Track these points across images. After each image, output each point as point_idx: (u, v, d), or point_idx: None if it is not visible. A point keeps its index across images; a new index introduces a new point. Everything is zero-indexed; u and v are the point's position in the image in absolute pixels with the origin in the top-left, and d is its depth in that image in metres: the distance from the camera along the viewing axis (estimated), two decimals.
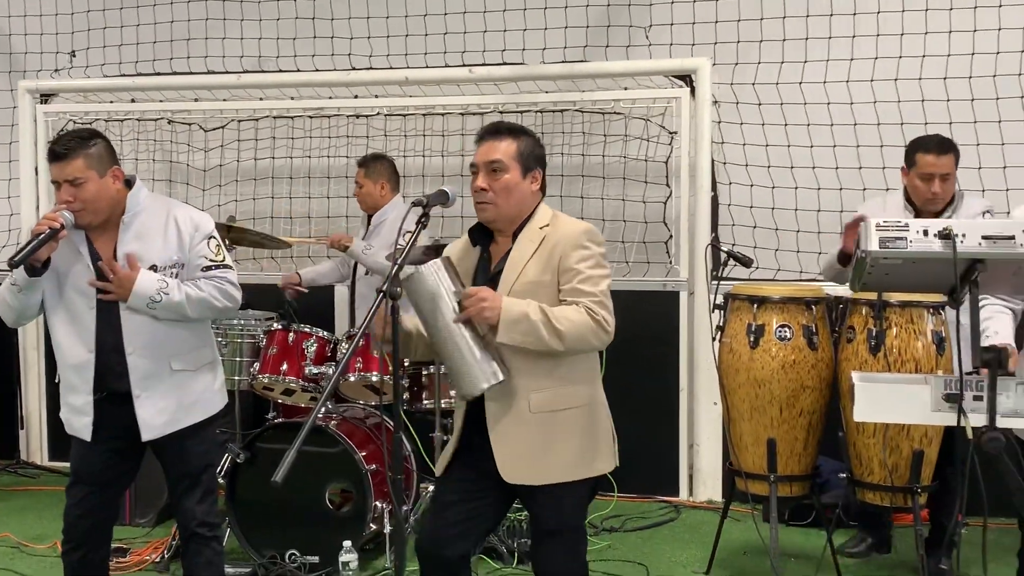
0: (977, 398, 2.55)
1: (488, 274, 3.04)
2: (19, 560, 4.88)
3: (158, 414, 3.47)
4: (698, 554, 4.84)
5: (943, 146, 4.38)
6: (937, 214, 4.38)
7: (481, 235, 3.11)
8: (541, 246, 3.01)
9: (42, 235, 3.27)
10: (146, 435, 3.47)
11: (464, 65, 6.17)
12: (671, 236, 6.12)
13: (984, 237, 2.48)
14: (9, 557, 4.93)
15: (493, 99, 6.20)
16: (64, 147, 3.36)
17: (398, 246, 2.95)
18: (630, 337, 5.92)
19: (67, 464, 3.67)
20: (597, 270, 3.01)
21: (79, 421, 3.49)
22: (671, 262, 6.10)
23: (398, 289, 2.78)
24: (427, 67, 6.26)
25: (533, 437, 2.97)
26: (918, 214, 4.38)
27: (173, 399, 3.50)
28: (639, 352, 5.88)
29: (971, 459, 2.52)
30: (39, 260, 3.32)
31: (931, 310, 4.15)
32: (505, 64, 6.14)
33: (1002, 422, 2.53)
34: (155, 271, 3.41)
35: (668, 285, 6.02)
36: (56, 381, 3.59)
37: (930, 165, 4.35)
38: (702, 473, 5.93)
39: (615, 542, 5.12)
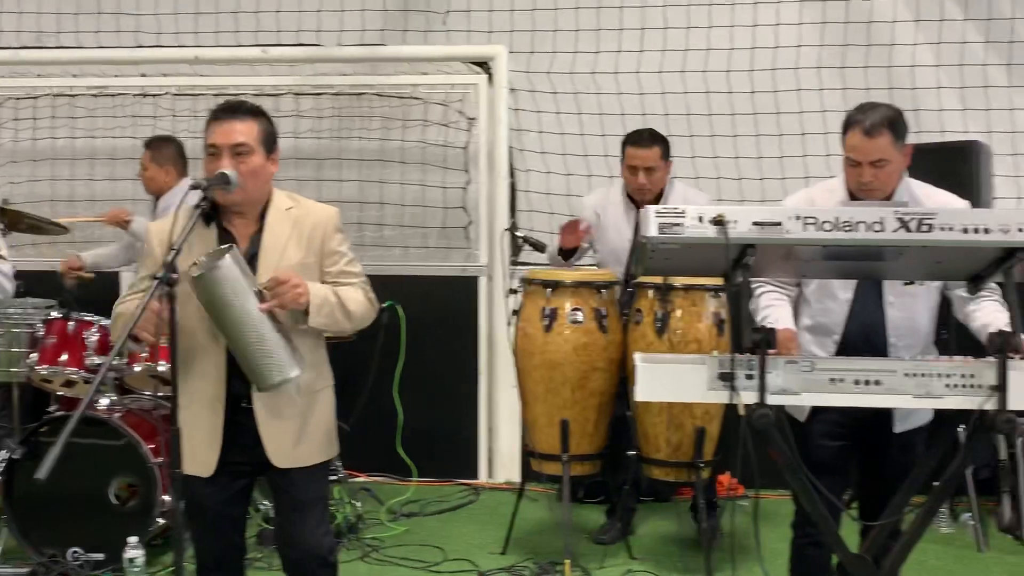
0: (749, 377, 2.64)
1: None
2: None
3: None
4: (496, 535, 4.87)
5: (647, 139, 4.63)
6: (655, 201, 4.58)
7: (212, 213, 2.95)
8: (294, 227, 2.96)
9: None
10: None
11: (257, 45, 5.99)
12: (470, 222, 6.14)
13: (755, 223, 2.57)
14: None
15: (288, 81, 6.05)
16: None
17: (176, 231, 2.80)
18: (430, 322, 5.97)
19: None
20: (353, 253, 3.09)
21: None
22: (470, 247, 6.12)
23: (174, 275, 2.64)
24: (218, 46, 6.04)
25: (299, 418, 2.95)
26: (637, 204, 4.59)
27: None
28: (439, 337, 5.88)
29: (743, 434, 2.60)
30: None
31: (712, 293, 4.30)
32: (300, 45, 6.00)
33: (772, 399, 2.63)
34: None
35: (467, 270, 6.04)
36: None
37: (634, 157, 4.60)
38: (501, 455, 5.98)
39: (413, 527, 5.10)
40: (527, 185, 6.08)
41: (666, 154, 4.66)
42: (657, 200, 4.62)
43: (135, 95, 6.24)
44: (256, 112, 2.98)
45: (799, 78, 5.79)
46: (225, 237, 2.94)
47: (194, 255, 2.81)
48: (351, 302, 2.93)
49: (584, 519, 5.12)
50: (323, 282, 2.95)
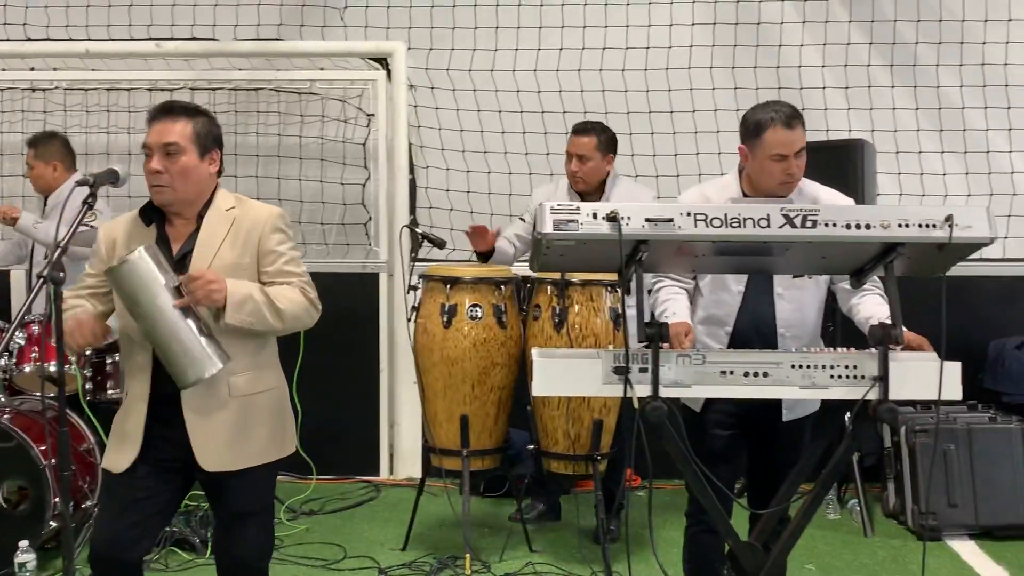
0: (643, 370, 2.67)
1: (172, 256, 2.88)
2: None
3: None
4: (397, 531, 4.84)
5: (585, 127, 4.73)
6: (592, 194, 4.67)
7: (155, 214, 2.93)
8: (233, 228, 2.90)
9: None
10: None
11: (151, 39, 5.84)
12: (370, 218, 6.09)
13: (647, 220, 2.59)
14: None
15: (183, 75, 5.93)
16: None
17: (68, 228, 2.72)
18: (331, 319, 5.79)
19: None
20: (296, 252, 3.00)
21: None
22: (370, 244, 6.07)
23: (61, 274, 2.57)
24: (111, 39, 5.88)
25: (231, 422, 2.87)
26: (582, 198, 4.60)
27: None
28: (340, 334, 5.79)
29: (637, 427, 2.63)
30: None
31: (609, 288, 4.35)
32: (195, 40, 5.87)
33: (665, 392, 2.66)
34: None
35: (368, 267, 5.99)
36: None
37: (571, 144, 4.70)
38: (402, 451, 5.95)
39: (313, 525, 5.05)
40: (427, 182, 6.07)
41: (604, 147, 4.68)
42: (600, 193, 4.66)
43: (24, 89, 6.04)
44: (192, 112, 2.93)
45: (692, 78, 5.88)
46: (162, 236, 2.89)
47: None
48: (283, 300, 2.84)
49: (485, 513, 5.13)
50: (260, 282, 2.88)
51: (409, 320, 4.62)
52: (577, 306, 4.34)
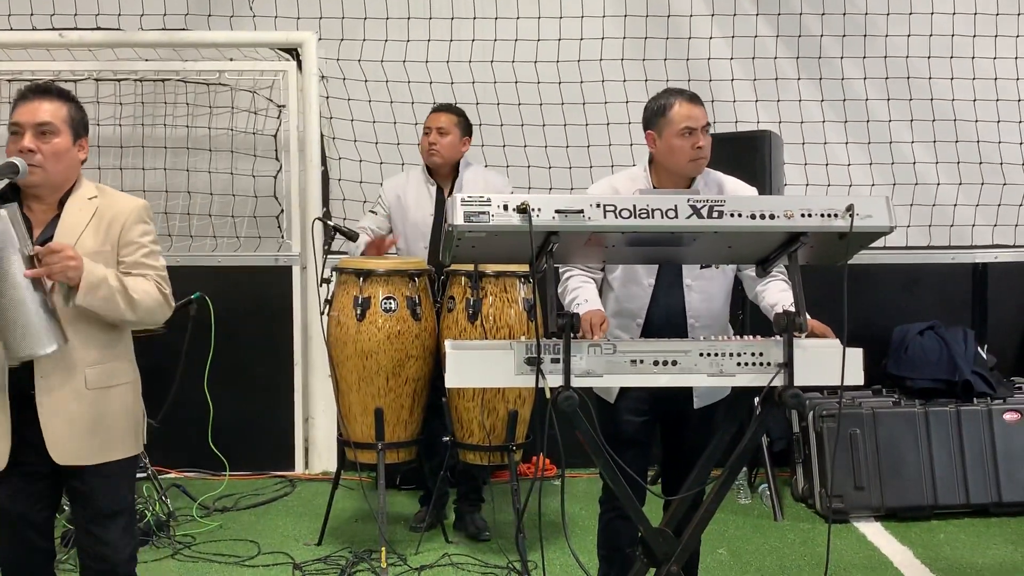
0: (555, 360, 2.69)
1: (32, 239, 2.80)
2: None
3: None
4: (313, 526, 4.81)
5: (444, 105, 4.92)
6: (449, 176, 4.79)
7: (13, 197, 2.83)
8: (95, 217, 2.85)
9: None
10: None
11: (54, 29, 5.69)
12: (282, 211, 6.02)
13: (557, 211, 2.61)
14: None
15: (87, 66, 5.78)
16: None
17: None
18: (243, 313, 5.82)
19: None
20: (157, 247, 2.97)
21: None
22: (283, 237, 6.00)
23: None
24: (12, 29, 5.71)
25: (87, 414, 2.81)
26: (439, 190, 4.76)
27: None
28: (252, 327, 5.76)
29: (550, 416, 2.65)
30: None
31: (523, 279, 4.37)
32: (99, 29, 5.73)
33: (576, 382, 2.69)
34: None
35: (280, 260, 5.92)
36: None
37: (429, 120, 4.83)
38: (317, 445, 5.91)
39: (226, 522, 4.98)
40: (340, 174, 6.02)
41: (463, 128, 4.79)
42: (452, 178, 4.75)
43: None
44: (66, 96, 2.87)
45: (603, 69, 5.93)
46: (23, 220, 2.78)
47: None
48: (138, 292, 2.80)
49: (401, 506, 5.13)
50: (123, 273, 2.83)
51: (322, 313, 4.59)
52: (491, 297, 4.35)
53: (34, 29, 5.74)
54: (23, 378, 2.74)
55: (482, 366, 2.75)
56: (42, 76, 5.83)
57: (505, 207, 2.60)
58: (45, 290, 2.66)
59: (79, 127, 2.87)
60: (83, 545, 2.96)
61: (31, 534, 2.90)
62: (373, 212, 4.92)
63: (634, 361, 2.73)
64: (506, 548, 4.51)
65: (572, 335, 2.68)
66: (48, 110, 2.80)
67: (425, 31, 5.91)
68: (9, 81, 5.87)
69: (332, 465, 5.79)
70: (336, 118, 6.01)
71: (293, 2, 5.91)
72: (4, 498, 2.82)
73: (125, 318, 2.81)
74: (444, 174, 4.78)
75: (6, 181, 2.73)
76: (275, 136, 6.03)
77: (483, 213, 2.60)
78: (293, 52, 5.78)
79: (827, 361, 2.77)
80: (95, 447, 2.83)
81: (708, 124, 3.29)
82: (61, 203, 2.85)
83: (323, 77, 5.85)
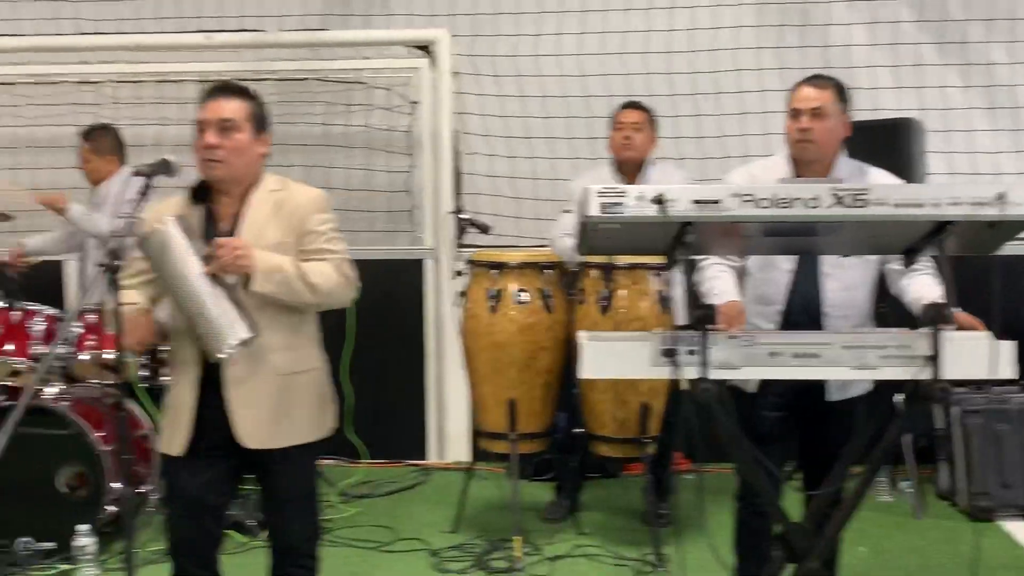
0: (691, 352, 2.65)
1: (218, 233, 2.89)
2: None
3: None
4: (446, 514, 4.86)
5: (635, 103, 4.79)
6: (636, 172, 4.66)
7: (202, 193, 2.95)
8: (278, 209, 2.92)
9: None
10: None
11: (200, 31, 5.89)
12: (415, 205, 6.10)
13: (694, 201, 2.57)
14: None
15: (231, 67, 5.94)
16: None
17: (121, 219, 2.75)
18: (378, 305, 5.90)
19: None
20: (336, 233, 3.00)
21: None
22: (415, 231, 6.08)
23: (119, 263, 2.60)
24: (160, 32, 5.94)
25: (274, 400, 2.87)
26: (629, 181, 4.58)
27: None
28: (387, 320, 5.84)
29: (686, 409, 2.62)
30: None
31: (655, 272, 4.32)
32: (243, 31, 5.91)
33: (713, 374, 2.64)
34: None
35: (413, 253, 6.00)
36: None
37: (621, 115, 4.72)
38: (450, 435, 5.97)
39: (365, 508, 5.07)
40: (471, 168, 6.06)
41: (653, 123, 4.75)
42: (637, 172, 4.66)
43: (76, 83, 6.09)
44: (247, 93, 2.95)
45: (737, 59, 5.82)
46: (211, 216, 2.91)
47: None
48: (315, 275, 2.84)
49: (533, 497, 5.13)
50: (306, 260, 2.89)
51: (455, 305, 4.63)
52: (623, 290, 4.32)
53: (182, 32, 5.94)
54: (210, 366, 2.83)
55: (618, 357, 2.73)
56: (188, 77, 6.06)
57: (641, 198, 2.57)
58: (226, 285, 2.74)
59: (260, 123, 2.94)
60: (271, 524, 3.07)
61: (205, 518, 2.96)
62: (568, 212, 4.85)
63: (773, 353, 2.66)
64: (638, 541, 4.48)
65: (709, 326, 2.64)
66: (230, 107, 2.87)
67: (556, 25, 5.90)
68: (158, 82, 6.11)
69: (465, 455, 5.85)
70: (467, 113, 6.04)
71: (427, 1, 5.98)
72: (184, 480, 2.91)
73: (306, 301, 2.86)
74: (631, 170, 4.70)
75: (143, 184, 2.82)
76: (408, 132, 6.11)
77: (618, 204, 2.58)
78: (427, 49, 5.84)
79: (976, 354, 2.66)
80: (282, 431, 2.89)
81: (820, 108, 3.20)
82: (246, 196, 2.93)
83: (455, 73, 5.90)
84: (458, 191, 5.96)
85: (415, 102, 6.02)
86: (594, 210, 2.56)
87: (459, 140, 6.00)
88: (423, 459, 5.93)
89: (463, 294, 4.60)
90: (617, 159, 4.73)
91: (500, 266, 4.43)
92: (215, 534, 3.04)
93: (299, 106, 6.11)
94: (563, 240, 4.51)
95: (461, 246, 5.70)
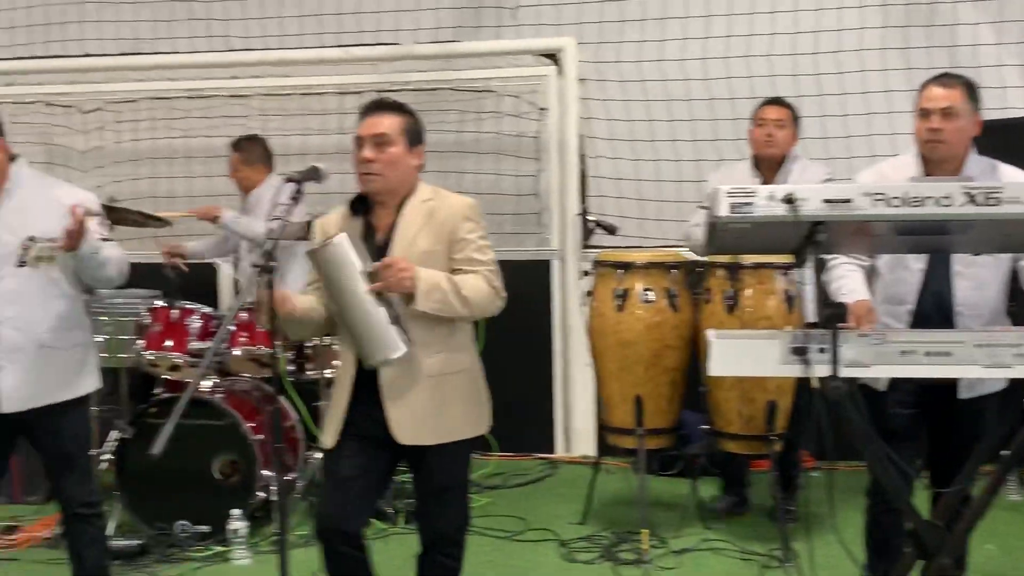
0: (822, 350, 2.61)
1: (375, 244, 2.98)
2: None
3: (19, 387, 3.30)
4: (574, 506, 4.88)
5: (779, 99, 4.70)
6: (775, 168, 4.56)
7: (361, 206, 3.05)
8: (429, 218, 2.98)
9: None
10: (5, 407, 3.29)
11: (340, 46, 6.05)
12: (543, 208, 6.13)
13: (824, 200, 2.53)
14: None
15: (369, 79, 6.09)
16: None
17: (275, 223, 2.86)
18: (507, 305, 5.92)
19: None
20: (485, 241, 3.04)
21: None
22: (543, 232, 6.12)
23: (273, 263, 2.71)
24: (303, 47, 6.12)
25: (426, 399, 2.94)
26: (765, 181, 4.50)
27: (38, 374, 3.33)
28: (515, 318, 5.81)
29: (817, 408, 2.58)
30: None
31: (781, 271, 4.25)
32: (380, 45, 6.05)
33: (844, 372, 2.59)
34: (33, 242, 3.27)
35: (540, 254, 6.04)
36: None
37: (765, 112, 4.62)
38: (577, 430, 5.99)
39: (496, 499, 5.14)
40: (596, 171, 6.07)
41: (796, 121, 4.67)
42: (776, 169, 4.59)
43: (227, 96, 6.32)
44: (401, 108, 3.02)
45: (863, 59, 5.68)
46: (369, 227, 3.00)
47: None
48: (467, 288, 2.89)
49: (659, 491, 5.10)
50: (451, 269, 2.94)
51: (582, 304, 4.64)
52: (749, 289, 4.26)
53: (323, 47, 6.11)
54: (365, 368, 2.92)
55: (747, 355, 2.70)
56: (328, 90, 6.24)
57: (771, 197, 2.54)
58: (388, 300, 2.82)
59: (414, 136, 3.01)
60: (422, 513, 3.14)
61: (354, 501, 3.02)
62: (704, 207, 4.82)
63: (904, 351, 2.60)
64: (765, 536, 4.42)
65: (840, 325, 2.59)
66: (385, 123, 2.95)
67: (681, 30, 5.87)
68: (301, 95, 6.30)
69: (591, 449, 5.86)
70: (593, 118, 6.05)
71: (555, 10, 6.01)
72: (338, 461, 3.01)
73: (459, 315, 2.92)
74: (771, 166, 4.62)
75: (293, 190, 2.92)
76: (536, 137, 6.15)
77: (748, 204, 2.55)
78: (554, 57, 5.88)
79: None
80: (435, 429, 2.95)
81: (951, 108, 3.11)
82: (401, 207, 3.00)
83: (581, 80, 5.92)
84: (584, 194, 5.98)
85: (543, 108, 6.06)
86: (723, 210, 2.55)
87: (585, 144, 6.02)
88: (551, 453, 5.96)
89: (589, 293, 4.61)
90: (757, 155, 4.65)
91: (626, 266, 4.42)
92: (362, 516, 3.09)
93: (432, 115, 6.19)
94: (695, 231, 4.48)
95: (586, 247, 5.73)
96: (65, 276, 3.38)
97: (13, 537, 4.57)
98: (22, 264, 3.28)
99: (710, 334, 2.74)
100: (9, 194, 3.33)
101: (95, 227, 3.29)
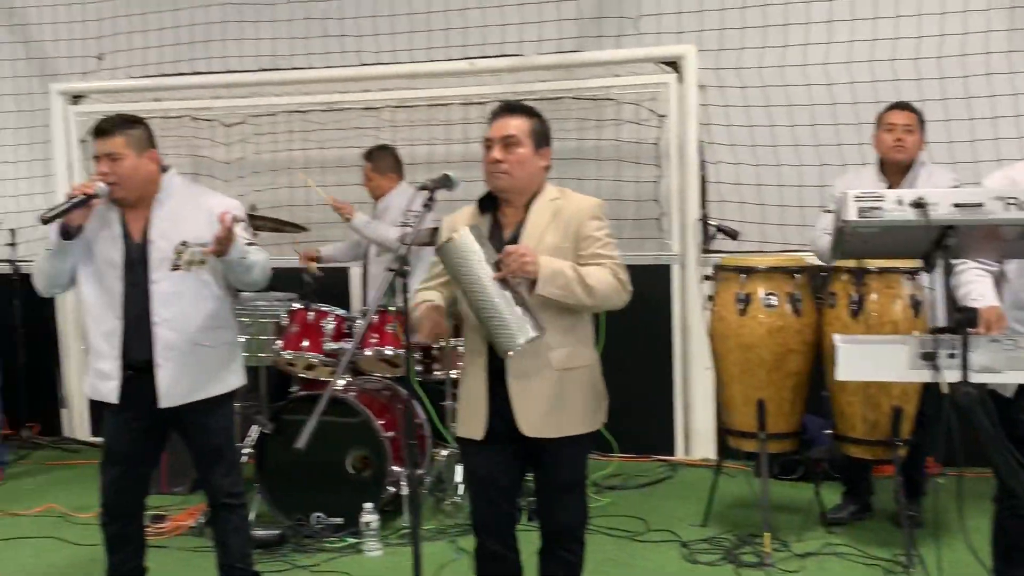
0: (951, 356, 2.53)
1: (503, 240, 3.02)
2: (65, 528, 4.91)
3: (176, 383, 3.46)
4: (694, 508, 4.84)
5: (906, 104, 4.58)
6: (902, 174, 4.45)
7: (489, 204, 3.09)
8: (556, 216, 3.01)
9: (76, 198, 3.29)
10: (164, 402, 3.45)
11: (465, 58, 6.14)
12: (662, 213, 6.09)
13: (955, 205, 2.46)
14: (56, 526, 4.95)
15: (492, 89, 6.14)
16: (108, 124, 3.42)
17: (407, 228, 2.92)
18: (627, 308, 5.88)
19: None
20: (610, 239, 3.06)
21: (106, 386, 3.47)
22: (663, 237, 6.08)
23: (407, 268, 2.77)
24: (431, 61, 6.22)
25: (551, 392, 2.96)
26: (891, 187, 4.38)
27: (192, 371, 3.48)
28: (635, 322, 5.82)
29: (946, 413, 2.50)
30: (72, 223, 3.34)
31: (907, 275, 4.14)
32: (503, 56, 6.10)
33: (975, 377, 2.52)
34: (186, 247, 3.42)
35: (660, 259, 6.00)
36: (83, 348, 3.58)
37: (893, 117, 4.51)
38: (696, 433, 5.93)
39: (616, 499, 5.12)
40: (716, 176, 6.00)
41: (922, 126, 4.57)
42: (903, 174, 4.49)
43: (359, 109, 6.45)
44: (529, 111, 3.07)
45: (989, 63, 5.48)
46: (497, 224, 3.06)
47: None
48: (592, 278, 2.90)
49: (780, 495, 5.02)
50: (582, 265, 2.95)
51: (704, 308, 4.59)
52: (874, 294, 4.16)
53: (449, 60, 6.21)
54: (496, 359, 2.96)
55: (874, 360, 2.65)
56: (454, 101, 6.32)
57: (900, 202, 2.49)
58: (515, 288, 2.85)
59: (540, 139, 3.05)
60: (543, 509, 3.16)
61: (500, 498, 3.08)
62: (828, 211, 4.74)
63: None
64: (889, 541, 4.30)
65: (970, 330, 2.52)
66: (513, 125, 3.01)
67: (803, 36, 5.75)
68: (428, 106, 6.40)
69: (710, 452, 5.80)
70: (713, 124, 5.99)
71: (675, 18, 5.97)
72: (480, 463, 3.06)
73: (584, 303, 2.93)
74: (898, 172, 4.52)
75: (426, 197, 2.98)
76: (656, 144, 6.11)
77: (877, 208, 2.51)
78: (674, 65, 5.84)
79: None
80: (558, 422, 2.98)
81: None
82: (528, 206, 3.05)
83: (702, 86, 5.86)
84: (704, 199, 5.92)
85: (662, 115, 6.02)
86: (852, 214, 2.50)
87: (705, 150, 5.96)
88: (670, 455, 5.91)
89: (711, 298, 4.56)
90: (884, 160, 4.54)
91: (749, 271, 4.37)
92: (510, 513, 3.13)
93: (553, 123, 6.17)
94: (823, 239, 4.40)
95: (706, 252, 5.67)
96: (214, 279, 3.53)
97: (162, 526, 4.76)
98: (175, 268, 3.44)
99: (836, 339, 2.69)
100: (161, 203, 3.49)
101: (241, 232, 3.43)
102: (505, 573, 3.12)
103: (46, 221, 3.30)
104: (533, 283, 2.85)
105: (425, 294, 3.08)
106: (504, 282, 2.83)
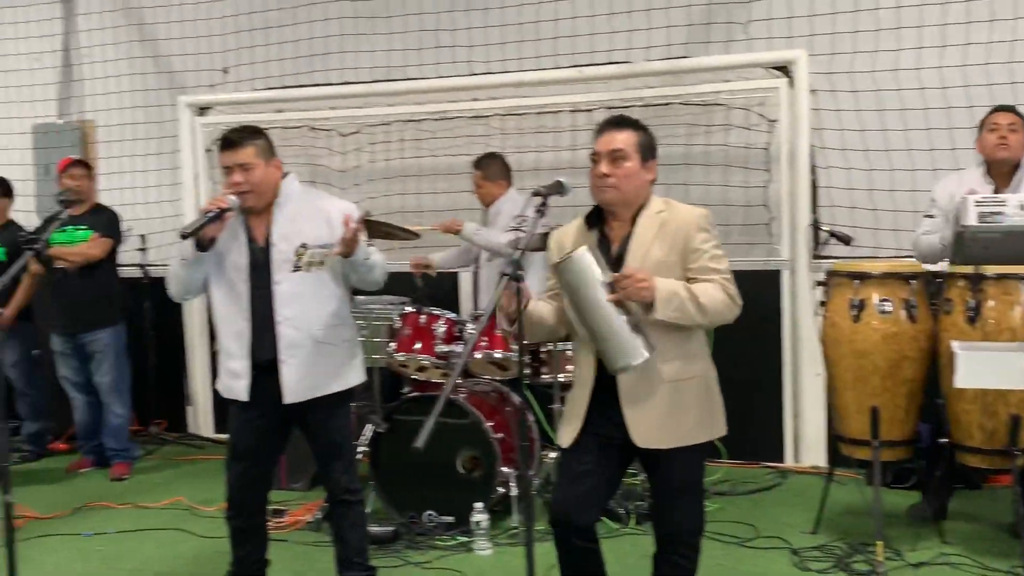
0: None
1: (610, 255, 3.02)
2: (191, 521, 5.09)
3: (300, 380, 3.56)
4: (804, 516, 4.75)
5: (1007, 107, 4.52)
6: (1008, 176, 4.33)
7: (596, 219, 3.09)
8: (662, 229, 3.00)
9: (211, 213, 3.42)
10: (288, 398, 3.55)
11: (574, 66, 6.15)
12: (772, 218, 6.00)
13: None
14: (182, 519, 5.13)
15: (600, 96, 6.14)
16: (237, 136, 3.55)
17: (520, 233, 2.96)
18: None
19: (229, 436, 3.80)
20: (719, 251, 3.03)
21: (237, 384, 3.59)
22: (772, 243, 5.99)
23: (521, 272, 2.80)
24: (540, 69, 6.26)
25: (662, 404, 2.96)
26: (997, 189, 4.24)
27: (314, 368, 3.58)
28: (745, 327, 5.71)
29: None
30: (207, 236, 3.47)
31: None
32: (612, 64, 6.09)
33: None
34: (306, 248, 3.52)
35: (770, 264, 5.91)
36: (214, 350, 3.72)
37: (997, 118, 4.45)
38: (806, 440, 5.81)
39: (726, 505, 5.06)
40: (828, 181, 5.88)
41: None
42: (1010, 175, 4.38)
43: (469, 118, 6.52)
44: (635, 125, 3.08)
45: None
46: (604, 238, 3.06)
47: None
48: (705, 297, 2.89)
49: (893, 503, 4.88)
50: (687, 279, 2.95)
51: (816, 314, 4.50)
52: (992, 300, 3.99)
53: (557, 68, 6.23)
54: (605, 371, 2.96)
55: (995, 367, 2.58)
56: (563, 108, 6.34)
57: (1022, 207, 2.40)
58: (627, 309, 2.86)
59: (647, 151, 3.05)
60: (658, 514, 3.16)
61: (584, 496, 3.05)
62: (929, 215, 4.59)
63: None
64: (1006, 552, 4.15)
65: None
66: (620, 139, 3.01)
67: (916, 39, 5.60)
68: (537, 114, 6.43)
69: (820, 459, 5.68)
70: (824, 128, 5.87)
71: (785, 23, 5.87)
72: (574, 458, 3.07)
73: (697, 323, 2.92)
74: (1004, 172, 4.40)
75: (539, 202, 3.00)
76: (766, 149, 6.02)
77: (998, 213, 2.43)
78: (784, 69, 5.75)
79: None
80: (671, 434, 2.97)
81: None
82: (635, 219, 3.05)
83: (813, 91, 5.75)
84: (815, 204, 5.81)
85: (773, 120, 5.93)
86: (972, 219, 2.45)
87: (815, 155, 5.85)
88: (780, 462, 5.82)
89: (823, 303, 4.47)
90: (989, 160, 4.43)
91: (862, 276, 4.26)
92: (594, 510, 3.11)
93: (662, 128, 6.16)
94: (924, 239, 4.35)
95: (817, 257, 5.57)
96: (334, 279, 3.63)
97: (282, 520, 4.90)
98: (296, 269, 3.54)
99: (955, 346, 2.62)
100: (281, 207, 3.60)
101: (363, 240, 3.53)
102: (587, 565, 3.10)
103: (185, 236, 3.45)
104: (648, 304, 2.84)
105: (533, 305, 3.09)
106: (619, 304, 2.83)
